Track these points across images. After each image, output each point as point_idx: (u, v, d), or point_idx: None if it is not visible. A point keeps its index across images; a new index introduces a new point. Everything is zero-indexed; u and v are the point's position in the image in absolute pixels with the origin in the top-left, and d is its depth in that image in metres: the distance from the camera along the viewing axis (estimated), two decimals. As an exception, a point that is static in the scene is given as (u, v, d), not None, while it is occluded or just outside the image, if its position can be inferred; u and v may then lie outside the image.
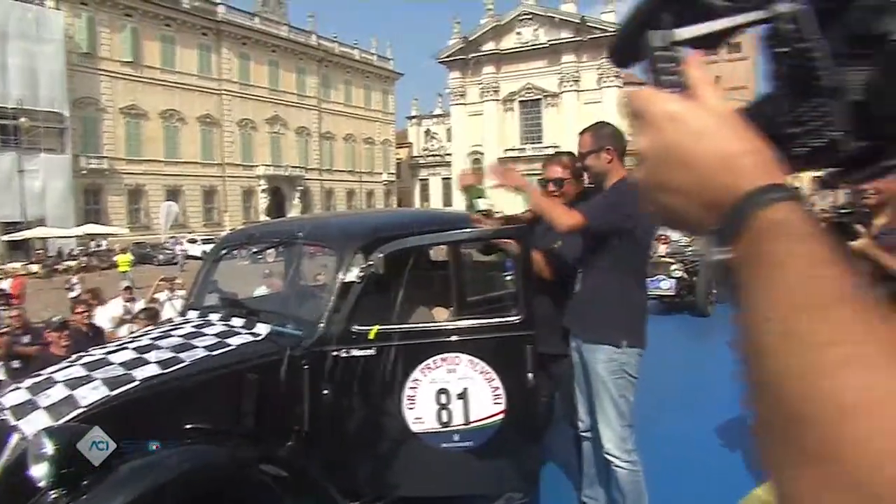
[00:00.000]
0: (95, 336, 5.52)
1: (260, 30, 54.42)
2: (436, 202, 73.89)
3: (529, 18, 67.28)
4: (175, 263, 32.36)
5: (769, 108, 0.50)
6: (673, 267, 10.92)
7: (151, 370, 2.67)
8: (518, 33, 68.14)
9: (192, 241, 37.71)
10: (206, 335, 3.04)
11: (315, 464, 2.87)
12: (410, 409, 2.90)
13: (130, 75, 44.88)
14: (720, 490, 3.01)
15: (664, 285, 10.64)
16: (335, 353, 2.88)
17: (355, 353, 2.89)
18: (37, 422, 2.42)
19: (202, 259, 4.47)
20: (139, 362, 2.75)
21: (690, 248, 11.95)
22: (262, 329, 3.01)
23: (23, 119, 35.91)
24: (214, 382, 2.74)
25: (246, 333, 3.01)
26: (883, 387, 0.32)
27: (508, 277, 3.80)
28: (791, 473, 0.35)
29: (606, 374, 2.87)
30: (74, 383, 2.59)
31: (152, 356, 2.79)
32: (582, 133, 3.06)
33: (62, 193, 38.83)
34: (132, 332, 3.99)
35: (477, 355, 2.92)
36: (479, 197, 3.14)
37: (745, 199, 0.45)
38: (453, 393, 2.90)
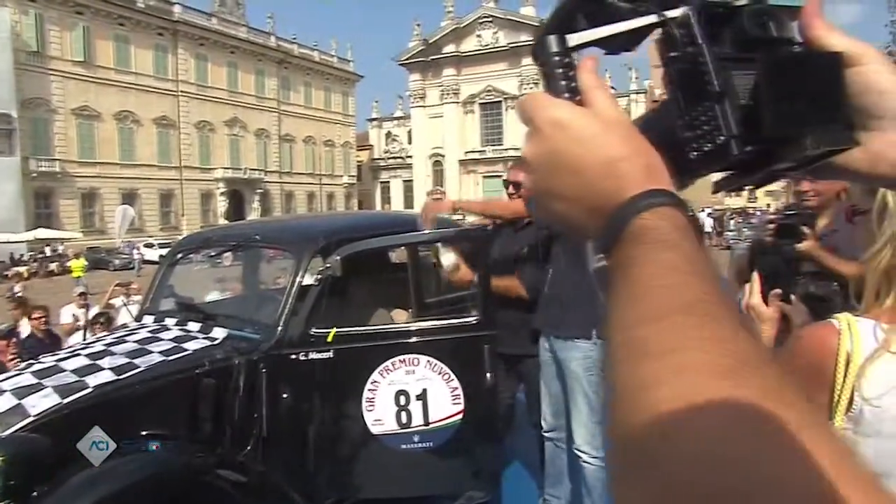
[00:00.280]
0: (52, 344, 5.36)
1: (217, 30, 53.60)
2: (397, 204, 73.77)
3: (489, 21, 67.72)
4: (131, 268, 31.68)
5: (666, 113, 0.51)
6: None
7: (105, 376, 2.62)
8: (478, 36, 68.52)
9: (149, 246, 36.93)
10: (161, 340, 3.00)
11: (275, 468, 2.86)
12: (370, 411, 2.91)
13: (82, 75, 43.73)
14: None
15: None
16: (293, 357, 2.87)
17: (314, 355, 2.88)
18: (-17, 433, 2.35)
19: (158, 263, 4.40)
20: (92, 369, 2.69)
21: None
22: (219, 333, 2.99)
23: (-32, 120, 34.70)
24: (170, 388, 2.70)
25: (203, 338, 2.98)
26: (699, 398, 0.32)
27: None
28: (621, 493, 0.34)
29: (581, 371, 2.92)
30: (23, 392, 2.52)
31: (106, 362, 2.74)
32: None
33: (11, 197, 37.62)
34: (96, 337, 3.90)
35: (435, 356, 2.94)
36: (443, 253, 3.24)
37: (623, 205, 0.45)
38: (412, 394, 2.92)
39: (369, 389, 2.91)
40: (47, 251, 36.44)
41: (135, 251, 34.80)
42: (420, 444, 2.95)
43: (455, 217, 3.32)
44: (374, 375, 2.91)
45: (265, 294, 3.89)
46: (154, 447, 2.54)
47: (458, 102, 70.32)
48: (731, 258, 7.45)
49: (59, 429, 2.38)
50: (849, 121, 0.48)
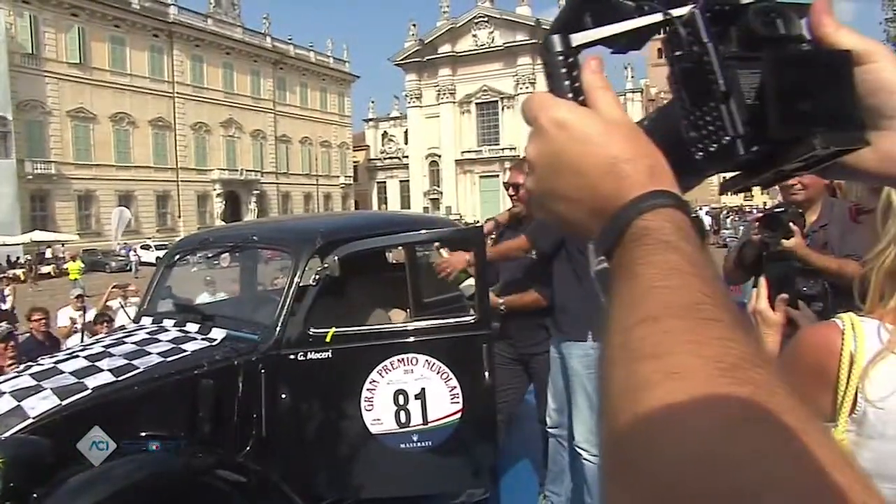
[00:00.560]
0: (52, 346, 5.35)
1: (213, 31, 53.53)
2: (393, 204, 73.78)
3: (485, 21, 67.73)
4: (128, 270, 31.64)
5: (672, 113, 0.50)
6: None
7: (104, 378, 2.62)
8: (474, 35, 68.53)
9: (146, 248, 36.88)
10: (160, 341, 3.01)
11: (274, 468, 2.86)
12: (368, 410, 2.92)
13: (78, 77, 43.62)
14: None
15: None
16: (292, 357, 2.88)
17: (312, 355, 2.89)
18: (-18, 435, 2.35)
19: (156, 265, 4.40)
20: (91, 370, 2.70)
21: None
22: (218, 334, 2.99)
23: (-37, 123, 34.58)
24: (169, 389, 2.71)
25: (201, 339, 2.99)
26: (692, 399, 0.32)
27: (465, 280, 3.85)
28: (612, 494, 0.34)
29: (582, 369, 2.96)
30: (22, 394, 2.53)
31: (105, 364, 2.75)
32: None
33: (7, 199, 37.52)
34: (95, 339, 3.90)
35: (434, 356, 2.95)
36: (465, 279, 3.35)
37: (625, 206, 0.45)
38: (411, 393, 2.93)
39: (368, 389, 2.91)
40: (48, 253, 36.33)
41: (131, 253, 34.75)
42: (419, 444, 2.96)
43: (452, 217, 3.34)
44: (373, 375, 2.91)
45: (263, 295, 3.90)
46: (154, 447, 2.54)
47: (454, 102, 70.31)
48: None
49: (58, 430, 2.39)
50: (859, 120, 0.47)
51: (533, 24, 65.59)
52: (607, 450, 0.35)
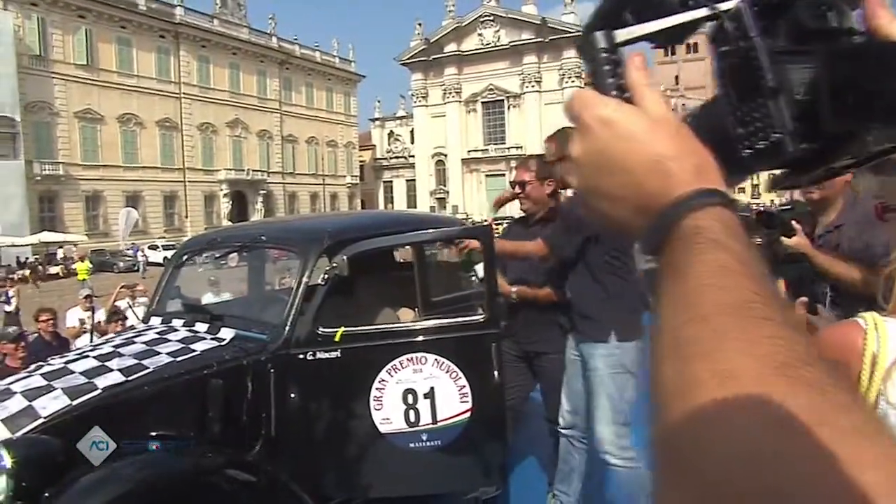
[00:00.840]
0: (60, 346, 5.37)
1: (219, 32, 53.66)
2: (399, 204, 73.82)
3: (491, 20, 67.66)
4: (136, 270, 31.77)
5: (718, 109, 0.49)
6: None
7: (114, 378, 2.63)
8: (480, 35, 68.47)
9: (153, 248, 37.03)
10: (169, 341, 3.01)
11: (283, 468, 2.86)
12: (378, 410, 2.91)
13: (85, 78, 43.83)
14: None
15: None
16: (301, 356, 2.87)
17: (321, 355, 2.88)
18: (-6, 434, 2.36)
19: (164, 265, 4.41)
20: (101, 370, 2.70)
21: None
22: (227, 334, 2.99)
23: (-28, 125, 34.77)
24: (179, 389, 2.71)
25: (210, 339, 2.99)
26: (743, 398, 0.32)
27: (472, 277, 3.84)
28: (662, 492, 0.34)
29: (605, 368, 2.92)
30: (33, 394, 2.53)
31: (115, 364, 2.75)
32: (547, 140, 3.17)
33: (16, 200, 37.70)
34: (104, 339, 3.91)
35: (443, 355, 2.94)
36: (476, 262, 3.29)
37: (672, 205, 0.44)
38: (420, 393, 2.92)
39: (377, 388, 2.91)
40: (60, 254, 36.48)
41: (139, 253, 34.90)
42: (428, 443, 2.95)
43: (459, 216, 3.34)
44: (382, 374, 2.91)
45: (272, 294, 3.90)
46: (154, 447, 2.54)
47: (460, 101, 70.28)
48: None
49: (69, 430, 2.39)
50: None
51: (538, 22, 65.49)
52: (657, 448, 0.35)
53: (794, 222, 2.58)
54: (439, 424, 2.94)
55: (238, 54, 55.77)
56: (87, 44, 43.84)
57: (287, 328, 2.90)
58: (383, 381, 2.91)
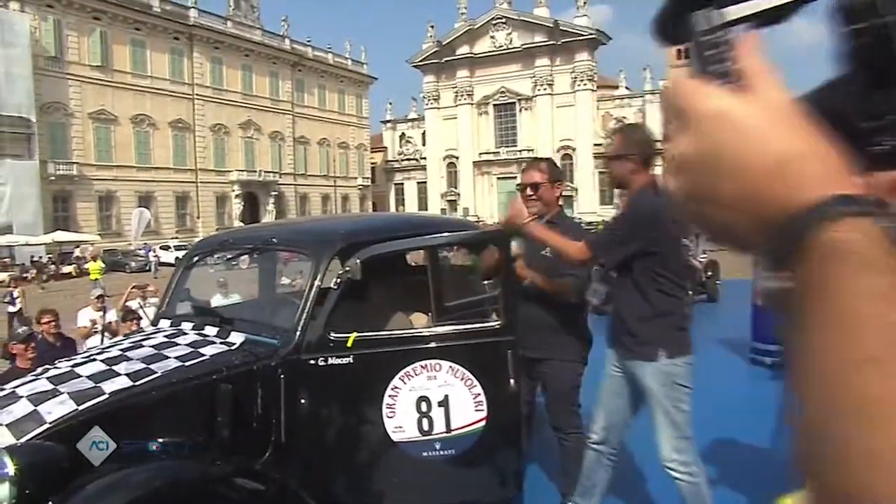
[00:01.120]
0: (65, 348, 5.34)
1: (232, 34, 53.91)
2: (411, 206, 73.83)
3: (503, 22, 67.62)
4: (148, 270, 31.91)
5: (839, 97, 0.42)
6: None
7: (121, 382, 2.57)
8: (492, 37, 68.44)
9: (165, 248, 37.18)
10: (178, 345, 2.95)
11: (293, 476, 2.79)
12: (390, 417, 2.84)
13: (100, 80, 44.15)
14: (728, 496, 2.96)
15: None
16: (312, 362, 2.80)
17: (333, 361, 2.81)
18: (-2, 440, 2.30)
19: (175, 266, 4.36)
20: (108, 374, 2.64)
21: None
22: (237, 338, 2.93)
23: (-12, 124, 35.09)
24: (187, 394, 2.65)
25: (220, 343, 2.92)
26: None
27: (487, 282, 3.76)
28: None
29: (656, 386, 2.80)
30: (39, 398, 2.48)
31: (122, 368, 2.69)
32: (614, 133, 3.11)
33: (30, 200, 38.01)
34: (113, 342, 3.86)
35: (457, 362, 2.86)
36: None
37: (802, 214, 0.38)
38: (434, 400, 2.85)
39: (390, 395, 2.83)
40: (77, 252, 36.68)
41: (151, 253, 35.06)
42: (442, 452, 2.87)
43: (472, 217, 3.23)
44: (395, 381, 2.84)
45: (283, 298, 3.83)
46: (154, 447, 2.48)
47: (471, 104, 70.25)
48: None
49: (74, 436, 2.33)
50: None
51: (551, 25, 65.36)
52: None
53: None
54: (453, 433, 2.87)
55: (251, 56, 56.00)
56: (102, 45, 44.16)
57: (298, 333, 2.83)
58: (396, 388, 2.84)
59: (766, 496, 2.35)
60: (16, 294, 14.23)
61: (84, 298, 10.65)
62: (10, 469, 2.09)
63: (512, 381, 2.91)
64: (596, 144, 64.97)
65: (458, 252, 4.62)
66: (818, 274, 0.37)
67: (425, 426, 2.85)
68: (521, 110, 68.56)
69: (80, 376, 2.65)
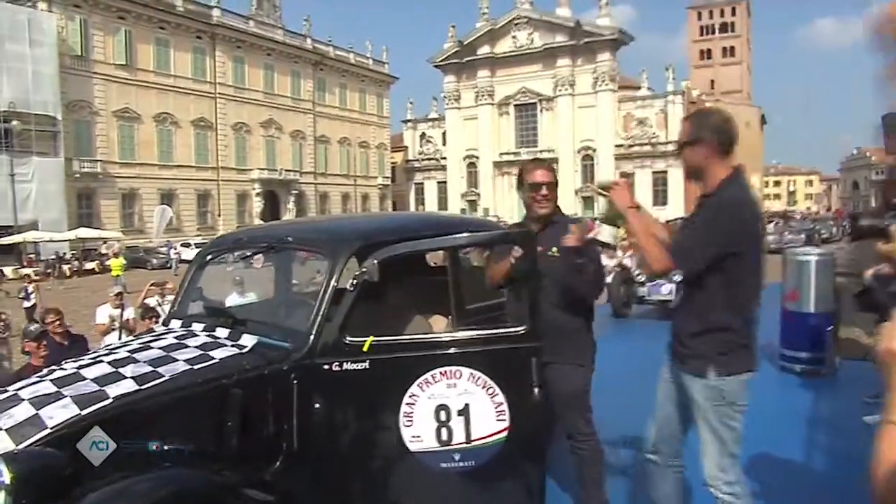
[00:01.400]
0: (73, 346, 5.27)
1: (255, 33, 54.22)
2: (431, 206, 73.78)
3: (524, 22, 67.31)
4: (169, 267, 32.16)
5: None
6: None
7: (127, 386, 2.46)
8: (513, 37, 68.16)
9: (186, 245, 37.43)
10: (188, 347, 2.83)
11: (305, 486, 2.67)
12: (408, 426, 2.69)
13: (124, 78, 44.62)
14: None
15: (664, 290, 10.46)
16: (326, 367, 2.67)
17: (348, 366, 2.68)
18: (-4, 445, 2.20)
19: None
20: (114, 377, 2.53)
21: None
22: (249, 341, 2.80)
23: (15, 122, 35.55)
24: (195, 399, 2.53)
25: (231, 345, 2.80)
26: None
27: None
28: None
29: (705, 403, 2.59)
30: (41, 401, 2.37)
31: (129, 370, 2.58)
32: (683, 120, 2.77)
33: (54, 197, 38.49)
34: (122, 342, 3.76)
35: (479, 369, 2.71)
36: (612, 223, 2.83)
37: None
38: (454, 409, 2.70)
39: (407, 403, 2.69)
40: (103, 249, 37.05)
41: (172, 250, 35.34)
42: (461, 463, 2.73)
43: (492, 218, 3.02)
44: (413, 388, 2.69)
45: (298, 299, 3.71)
46: (154, 447, 2.37)
47: (492, 104, 70.00)
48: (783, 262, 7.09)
49: (76, 442, 2.22)
50: None
51: (572, 25, 64.90)
52: None
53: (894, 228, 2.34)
54: (473, 444, 2.72)
55: (273, 55, 56.27)
56: (127, 44, 44.63)
57: (312, 336, 2.70)
58: (414, 395, 2.70)
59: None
60: (30, 290, 14.34)
61: (104, 295, 10.66)
62: (6, 477, 1.98)
63: (536, 389, 2.76)
64: (617, 145, 64.49)
65: (479, 252, 4.47)
66: None
67: (444, 436, 2.70)
68: (541, 111, 68.17)
69: (84, 379, 2.54)
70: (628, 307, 10.81)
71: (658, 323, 9.07)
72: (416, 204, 75.46)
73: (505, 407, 2.72)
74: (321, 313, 2.73)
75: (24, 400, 2.41)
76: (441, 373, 2.70)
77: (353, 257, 2.86)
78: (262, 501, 2.51)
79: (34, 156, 37.28)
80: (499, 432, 2.73)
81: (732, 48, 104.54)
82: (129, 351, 2.84)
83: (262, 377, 2.63)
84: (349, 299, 2.73)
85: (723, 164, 2.58)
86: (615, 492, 3.53)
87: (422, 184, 77.36)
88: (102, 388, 2.43)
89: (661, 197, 62.82)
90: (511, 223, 3.61)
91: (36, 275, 28.94)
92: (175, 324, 3.31)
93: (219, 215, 50.95)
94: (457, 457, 2.72)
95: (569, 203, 58.40)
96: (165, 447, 2.40)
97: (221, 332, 2.96)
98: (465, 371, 2.71)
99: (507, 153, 67.87)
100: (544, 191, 3.22)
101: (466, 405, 2.70)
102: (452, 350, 2.76)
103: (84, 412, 2.30)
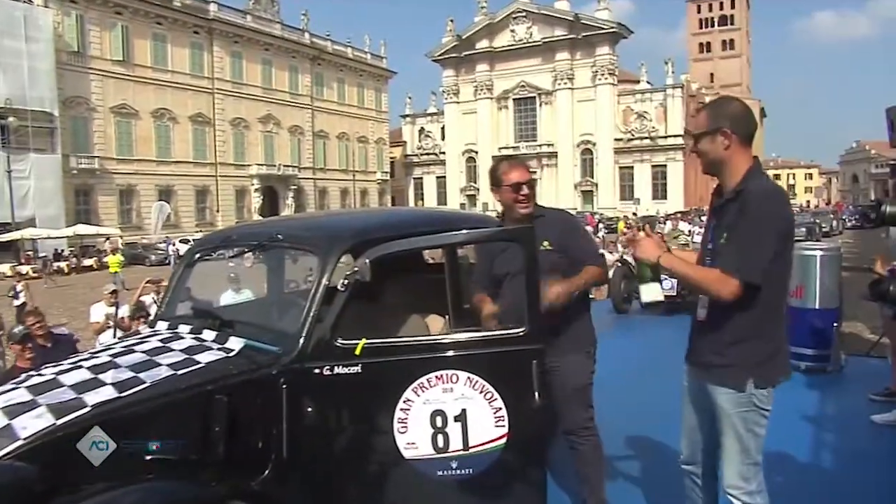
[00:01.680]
0: (55, 347, 5.13)
1: (252, 28, 54.01)
2: (430, 201, 73.70)
3: (523, 16, 67.11)
4: (167, 263, 32.03)
5: None
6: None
7: (106, 393, 2.33)
8: (512, 31, 67.96)
9: (185, 242, 37.26)
10: (172, 351, 2.71)
11: (294, 497, 2.55)
12: (402, 433, 2.57)
13: (121, 74, 44.47)
14: None
15: (665, 285, 10.31)
16: (317, 371, 2.54)
17: (339, 370, 2.55)
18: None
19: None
20: (93, 384, 2.41)
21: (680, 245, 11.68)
22: (236, 344, 2.68)
23: (11, 119, 35.43)
24: (179, 407, 2.40)
25: (217, 349, 2.68)
26: None
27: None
28: None
29: (732, 408, 2.40)
30: (14, 410, 2.25)
31: (109, 376, 2.46)
32: (699, 110, 2.55)
33: (52, 194, 38.38)
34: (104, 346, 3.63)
35: (476, 372, 2.59)
36: (651, 279, 2.58)
37: None
38: (450, 415, 2.58)
39: (402, 409, 2.57)
40: (107, 246, 36.92)
41: (170, 247, 35.22)
42: (458, 471, 2.60)
43: (491, 213, 2.89)
44: (408, 393, 2.57)
45: (287, 300, 3.58)
46: (154, 447, 2.28)
47: (491, 98, 69.83)
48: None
49: (49, 454, 2.10)
50: None
51: (571, 19, 64.67)
52: None
53: None
54: (471, 451, 2.60)
55: (270, 50, 56.06)
56: (124, 40, 44.48)
57: (302, 339, 2.57)
58: (409, 400, 2.57)
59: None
60: (19, 288, 14.18)
61: (101, 293, 10.53)
62: (-27, 494, 1.86)
63: (536, 394, 2.63)
64: (616, 139, 64.30)
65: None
66: None
67: (440, 443, 2.58)
68: (541, 105, 68.00)
69: (62, 385, 2.42)
70: (629, 303, 10.67)
71: (659, 319, 8.94)
72: (415, 199, 75.36)
73: (504, 412, 2.60)
74: (311, 315, 2.61)
75: (-3, 408, 2.29)
76: (437, 377, 2.58)
77: (346, 255, 2.74)
78: (249, 513, 2.39)
79: (31, 152, 37.15)
80: (497, 439, 2.61)
81: (732, 41, 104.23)
82: (111, 355, 2.71)
83: (250, 382, 2.51)
84: (341, 300, 2.60)
85: (745, 154, 2.40)
86: (615, 491, 3.44)
87: (421, 179, 77.22)
88: (80, 396, 2.31)
89: (660, 191, 62.70)
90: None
91: (34, 272, 28.86)
92: (162, 325, 3.18)
93: (217, 211, 50.82)
94: (454, 464, 2.60)
95: (568, 197, 58.27)
96: (147, 458, 2.28)
97: (208, 335, 2.83)
98: (462, 375, 2.59)
99: (506, 147, 67.66)
100: (525, 190, 3.12)
101: (463, 410, 2.58)
102: (449, 353, 2.63)
103: (59, 422, 2.17)
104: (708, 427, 2.57)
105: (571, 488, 3.52)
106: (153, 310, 8.02)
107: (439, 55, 72.44)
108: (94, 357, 2.76)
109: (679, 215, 41.47)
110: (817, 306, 6.17)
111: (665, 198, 60.86)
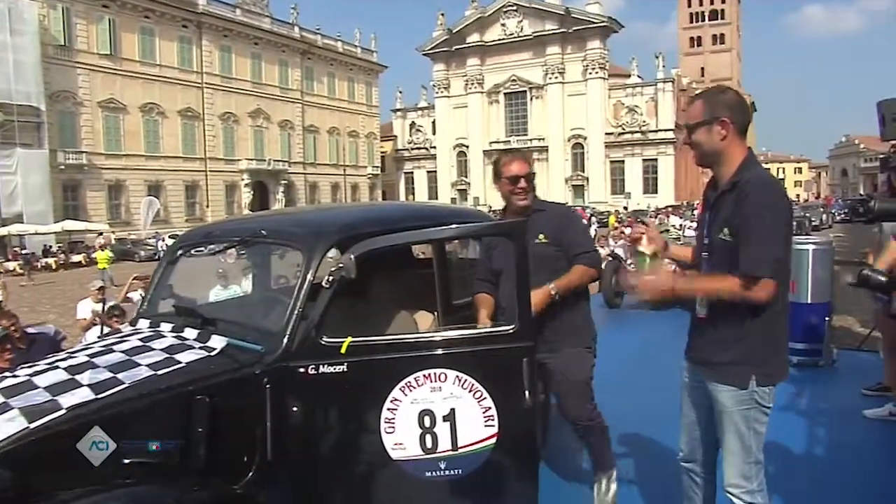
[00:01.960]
0: (29, 347, 5.00)
1: (241, 22, 53.60)
2: (421, 195, 73.57)
3: (514, 10, 66.94)
4: (157, 259, 31.81)
5: None
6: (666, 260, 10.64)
7: (82, 395, 2.25)
8: (503, 25, 67.79)
9: (174, 237, 37.06)
10: (153, 350, 2.63)
11: (279, 499, 2.48)
12: (389, 433, 2.51)
13: (109, 68, 44.03)
14: None
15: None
16: (301, 370, 2.48)
17: (325, 369, 2.48)
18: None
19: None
20: (69, 385, 2.33)
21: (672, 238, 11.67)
22: (218, 342, 2.60)
23: (-3, 113, 35.01)
24: (158, 408, 2.33)
25: (199, 348, 2.60)
26: None
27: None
28: None
29: (734, 406, 2.35)
30: (-14, 414, 2.17)
31: (86, 377, 2.38)
32: (693, 99, 2.46)
33: (39, 189, 37.99)
34: (83, 346, 3.54)
35: (465, 371, 2.52)
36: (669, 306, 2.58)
37: None
38: (438, 415, 2.51)
39: (389, 409, 2.50)
40: (99, 241, 36.60)
41: (160, 242, 34.96)
42: (447, 472, 2.54)
43: (482, 207, 2.82)
44: (395, 392, 2.50)
45: (271, 297, 3.50)
46: (154, 447, 2.23)
47: (482, 92, 69.69)
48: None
49: (21, 461, 2.02)
50: None
51: (562, 13, 64.58)
52: None
53: None
54: (460, 451, 2.53)
55: (260, 44, 55.67)
56: (111, 33, 44.01)
57: (286, 337, 2.50)
58: (396, 400, 2.51)
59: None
60: None
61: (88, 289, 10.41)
62: (-61, 503, 1.78)
63: (527, 393, 2.57)
64: (607, 133, 64.32)
65: (466, 245, 4.28)
66: None
67: (429, 443, 2.52)
68: (531, 99, 67.92)
69: (37, 388, 2.34)
70: (620, 297, 10.64)
71: (651, 313, 8.91)
72: (406, 193, 75.22)
73: (494, 412, 2.54)
74: (295, 313, 2.54)
75: (-33, 412, 2.20)
76: (424, 375, 2.51)
77: (332, 251, 2.67)
78: (232, 517, 2.32)
79: (18, 147, 36.76)
80: (487, 439, 2.55)
81: (722, 35, 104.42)
82: (89, 355, 2.64)
83: (232, 382, 2.44)
84: (326, 296, 2.53)
85: (740, 145, 2.34)
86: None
87: (412, 173, 77.07)
88: (54, 399, 2.23)
89: (651, 185, 62.83)
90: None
91: (21, 268, 28.56)
92: (143, 324, 3.10)
93: (207, 206, 50.52)
94: (442, 465, 2.54)
95: (559, 191, 58.28)
96: (126, 461, 2.21)
97: (190, 333, 2.76)
98: (451, 373, 2.52)
99: (497, 142, 67.62)
100: (522, 183, 3.11)
101: (452, 410, 2.52)
102: (437, 351, 2.57)
103: (32, 426, 2.10)
104: (706, 424, 2.52)
105: (567, 485, 3.48)
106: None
107: (430, 49, 72.21)
108: (71, 357, 2.68)
109: (670, 209, 41.53)
110: (809, 300, 6.15)
111: (656, 192, 60.99)
